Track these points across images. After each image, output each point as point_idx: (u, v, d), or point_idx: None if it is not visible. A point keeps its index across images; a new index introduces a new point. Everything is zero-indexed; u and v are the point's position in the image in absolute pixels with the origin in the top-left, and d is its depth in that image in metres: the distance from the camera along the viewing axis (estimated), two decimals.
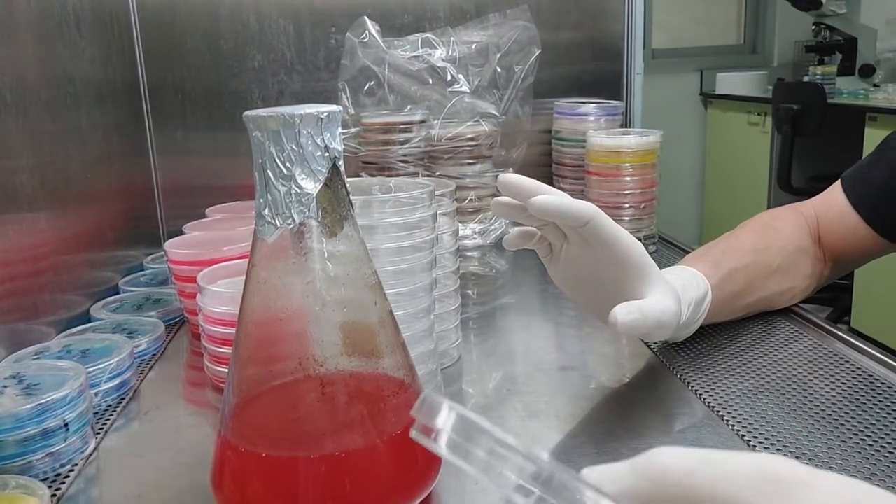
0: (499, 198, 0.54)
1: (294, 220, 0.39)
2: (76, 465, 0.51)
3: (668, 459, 0.27)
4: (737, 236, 0.70)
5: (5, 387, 0.52)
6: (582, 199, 0.52)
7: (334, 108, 0.39)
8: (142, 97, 1.09)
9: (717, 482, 0.26)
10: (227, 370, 0.43)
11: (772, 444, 0.49)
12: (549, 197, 0.51)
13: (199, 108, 1.11)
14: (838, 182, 0.72)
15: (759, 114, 3.14)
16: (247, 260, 0.42)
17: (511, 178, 0.52)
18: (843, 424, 0.51)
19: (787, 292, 0.69)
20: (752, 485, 0.25)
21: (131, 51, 1.07)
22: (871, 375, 0.59)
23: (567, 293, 0.60)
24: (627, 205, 0.98)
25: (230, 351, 0.44)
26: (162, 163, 1.12)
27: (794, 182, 2.81)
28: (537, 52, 1.09)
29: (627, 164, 0.97)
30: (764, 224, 0.72)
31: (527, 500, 0.25)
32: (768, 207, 2.76)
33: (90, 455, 0.52)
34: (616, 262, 0.53)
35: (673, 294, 0.55)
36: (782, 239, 0.69)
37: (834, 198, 0.72)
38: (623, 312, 0.51)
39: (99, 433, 0.55)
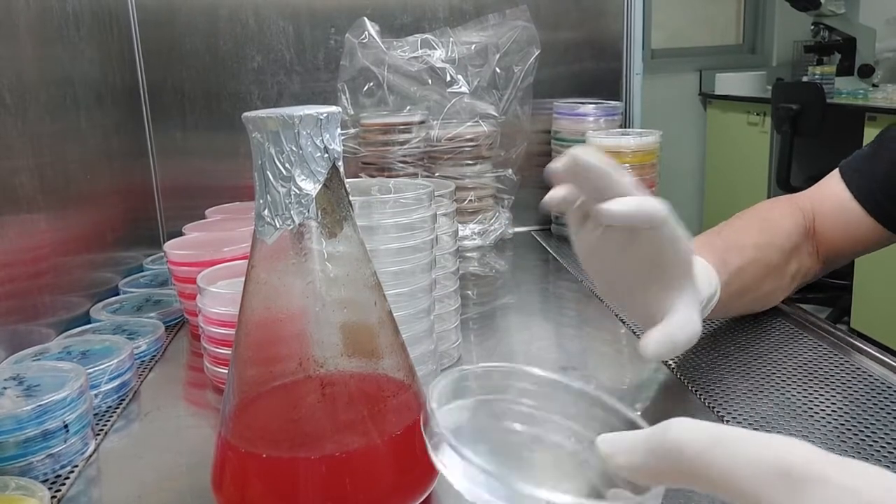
0: (556, 192, 0.49)
1: (293, 221, 0.39)
2: (76, 466, 0.51)
3: (681, 435, 0.27)
4: (736, 229, 0.67)
5: (5, 388, 0.52)
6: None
7: (333, 108, 0.39)
8: (141, 98, 1.09)
9: (727, 467, 0.25)
10: (227, 371, 0.43)
11: None
12: (622, 205, 0.45)
13: (199, 109, 1.11)
14: (835, 173, 0.71)
15: (758, 114, 3.14)
16: (246, 261, 0.42)
17: (583, 158, 0.45)
18: (843, 424, 0.51)
19: (774, 293, 0.68)
20: (761, 475, 0.25)
21: (131, 52, 1.07)
22: (871, 376, 0.59)
23: (586, 269, 0.55)
24: None
25: (230, 352, 0.44)
26: (161, 164, 1.12)
27: (793, 182, 2.81)
28: (536, 53, 1.09)
29: (627, 165, 0.97)
30: (763, 217, 0.70)
31: None
32: None
33: (90, 456, 0.52)
34: (660, 264, 0.49)
35: (699, 306, 0.52)
36: (782, 236, 0.67)
37: (832, 190, 0.70)
38: (654, 344, 0.48)
39: (99, 434, 0.55)
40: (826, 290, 2.67)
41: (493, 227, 1.05)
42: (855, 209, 0.68)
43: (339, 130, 0.40)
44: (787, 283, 0.68)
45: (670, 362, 0.63)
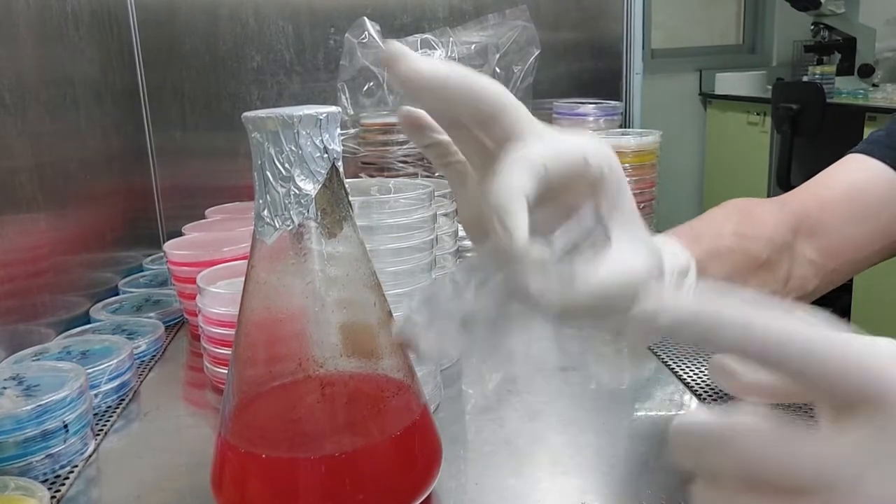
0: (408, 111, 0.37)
1: (293, 222, 0.39)
2: (76, 466, 0.51)
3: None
4: (709, 218, 0.51)
5: (5, 388, 0.52)
6: None
7: (333, 108, 0.39)
8: (141, 98, 1.09)
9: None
10: (226, 371, 0.43)
11: None
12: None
13: (199, 109, 1.11)
14: (844, 162, 0.60)
15: (758, 114, 3.14)
16: (246, 261, 0.42)
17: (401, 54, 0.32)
18: None
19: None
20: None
21: (130, 52, 1.07)
22: None
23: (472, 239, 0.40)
24: None
25: (230, 352, 0.44)
26: (161, 164, 1.12)
27: (793, 182, 2.81)
28: (536, 53, 1.09)
29: (626, 165, 0.97)
30: (741, 208, 0.53)
31: None
32: None
33: (90, 456, 0.52)
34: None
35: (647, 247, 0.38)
36: (768, 228, 0.51)
37: (845, 179, 0.58)
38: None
39: (99, 434, 0.55)
40: None
41: None
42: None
43: (338, 130, 0.40)
44: (779, 287, 0.52)
45: (670, 362, 0.63)
